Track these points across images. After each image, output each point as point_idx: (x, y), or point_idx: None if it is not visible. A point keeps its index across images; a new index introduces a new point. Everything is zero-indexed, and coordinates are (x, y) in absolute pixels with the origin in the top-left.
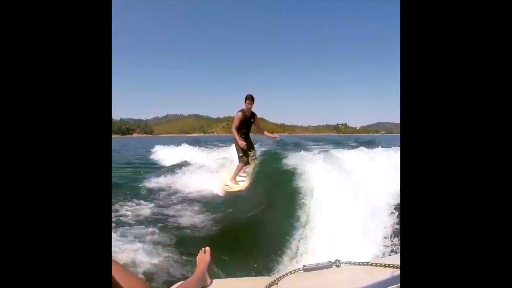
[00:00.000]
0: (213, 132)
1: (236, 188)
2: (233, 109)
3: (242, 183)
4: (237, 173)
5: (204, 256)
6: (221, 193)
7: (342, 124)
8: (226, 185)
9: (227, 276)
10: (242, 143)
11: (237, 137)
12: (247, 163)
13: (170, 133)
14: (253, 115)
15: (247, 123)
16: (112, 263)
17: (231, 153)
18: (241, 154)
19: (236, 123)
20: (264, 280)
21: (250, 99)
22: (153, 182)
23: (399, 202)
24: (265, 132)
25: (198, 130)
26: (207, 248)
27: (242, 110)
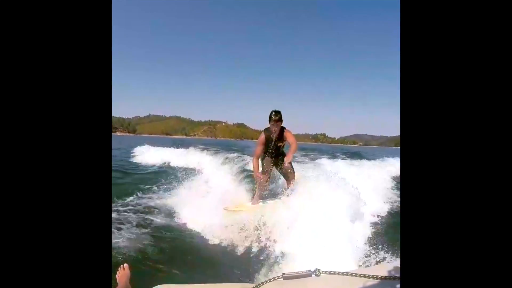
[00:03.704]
0: (195, 135)
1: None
2: (214, 113)
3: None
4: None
5: (124, 272)
6: None
7: (321, 134)
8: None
9: None
10: (259, 176)
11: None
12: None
13: (152, 133)
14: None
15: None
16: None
17: None
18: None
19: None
20: (244, 286)
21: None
22: None
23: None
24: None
25: (180, 132)
26: (125, 264)
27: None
